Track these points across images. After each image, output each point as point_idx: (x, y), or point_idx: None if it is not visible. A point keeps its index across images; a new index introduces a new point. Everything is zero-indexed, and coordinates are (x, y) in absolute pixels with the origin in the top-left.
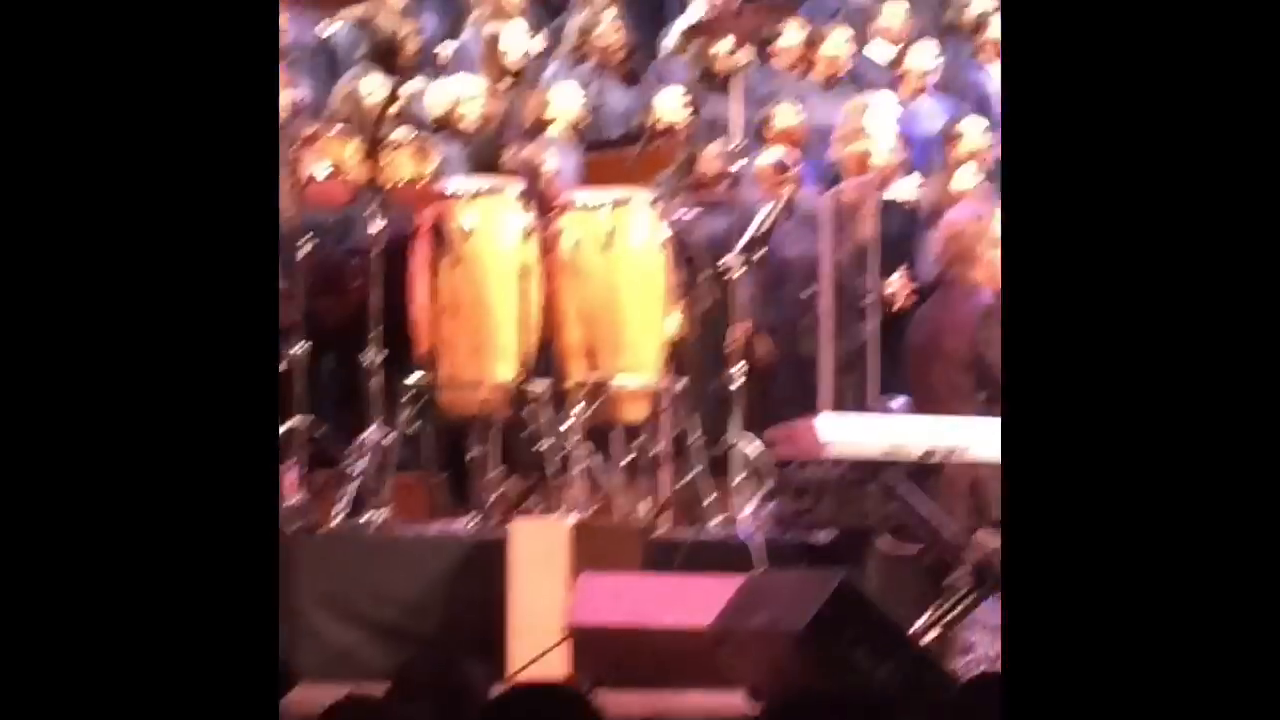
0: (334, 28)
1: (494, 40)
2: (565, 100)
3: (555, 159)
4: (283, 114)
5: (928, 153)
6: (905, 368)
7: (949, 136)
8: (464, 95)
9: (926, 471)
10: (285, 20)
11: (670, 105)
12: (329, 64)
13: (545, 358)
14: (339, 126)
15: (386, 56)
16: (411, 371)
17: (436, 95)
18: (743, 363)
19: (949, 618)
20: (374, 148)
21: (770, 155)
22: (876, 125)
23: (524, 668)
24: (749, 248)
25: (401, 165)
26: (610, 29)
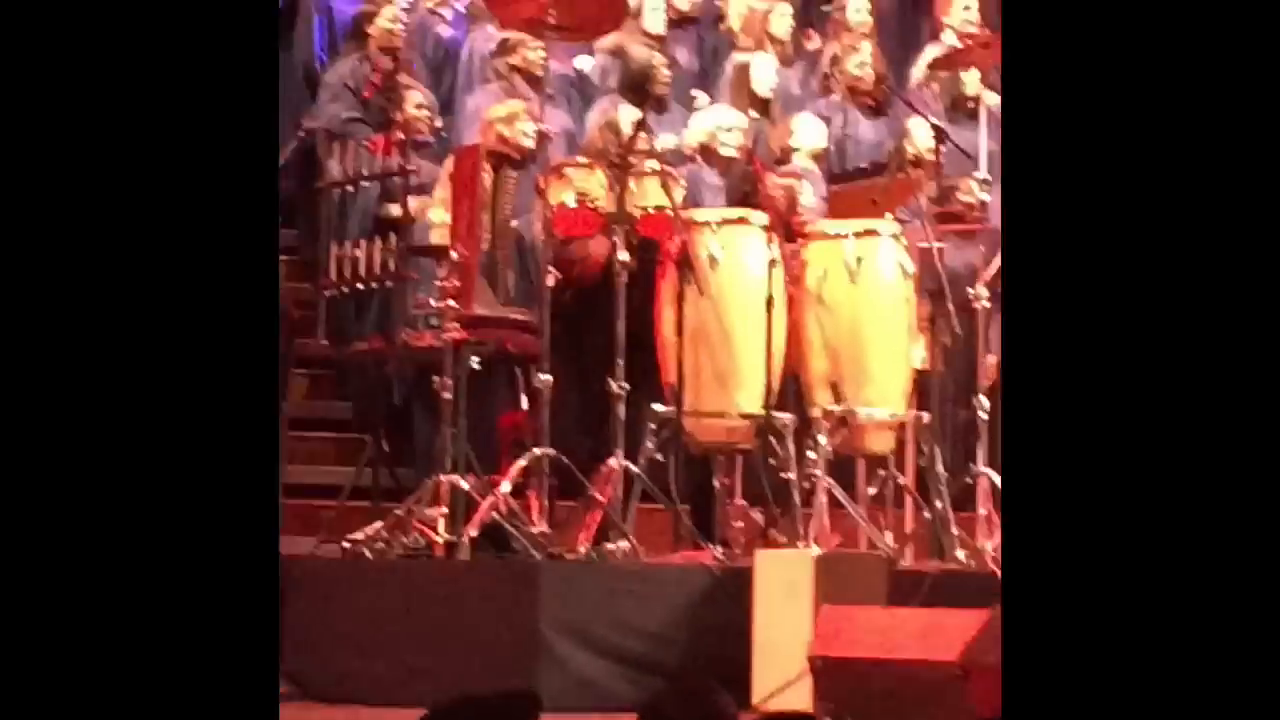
0: (588, 60)
1: (744, 70)
2: (809, 131)
3: (804, 190)
4: (535, 143)
5: None
6: None
7: None
8: (722, 125)
9: None
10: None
11: (920, 136)
12: (583, 95)
13: (790, 389)
14: (588, 157)
15: (637, 87)
16: (656, 401)
17: (694, 125)
18: (988, 395)
19: None
20: (622, 177)
21: None
22: None
23: (767, 699)
24: (998, 279)
25: (649, 194)
26: (865, 61)
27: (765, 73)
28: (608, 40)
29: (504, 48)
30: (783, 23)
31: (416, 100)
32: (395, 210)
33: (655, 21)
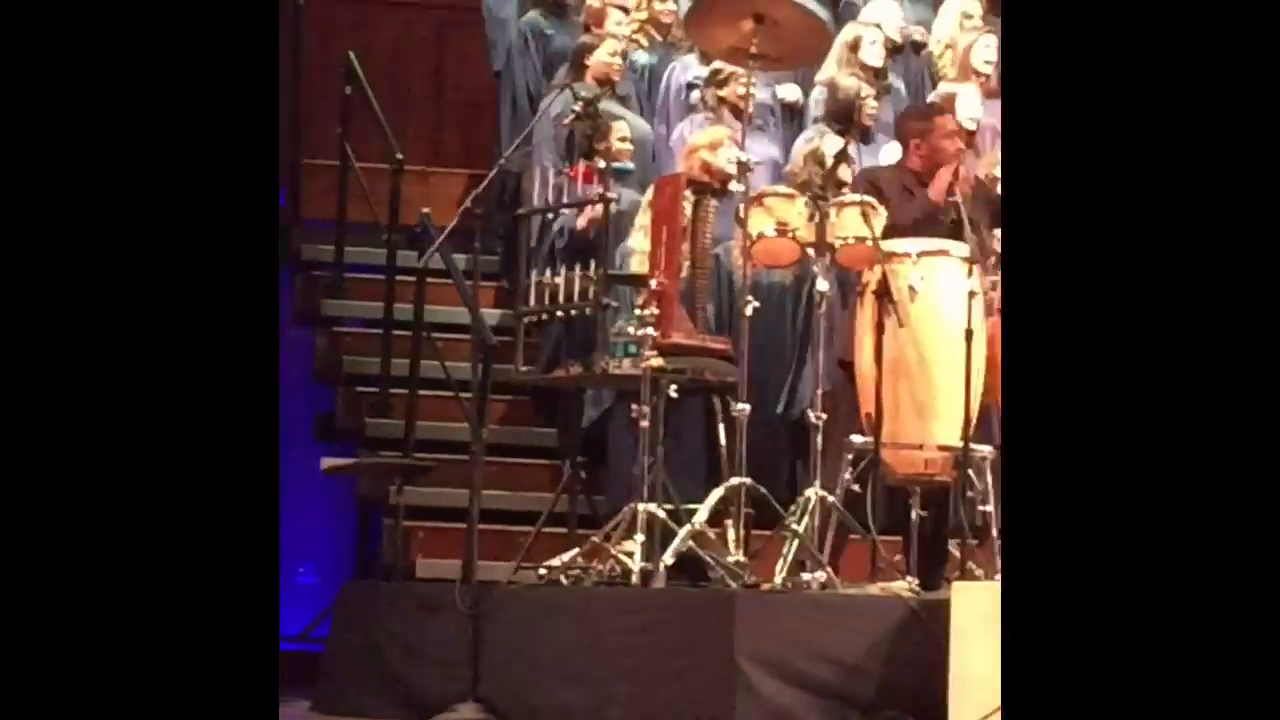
0: (793, 89)
1: (950, 100)
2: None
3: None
4: (734, 171)
5: None
6: None
7: None
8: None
9: None
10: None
11: None
12: (789, 124)
13: (988, 420)
14: (791, 186)
15: (843, 117)
16: (854, 432)
17: (890, 155)
18: None
19: None
20: (823, 207)
21: None
22: None
23: None
24: None
25: (849, 225)
26: None
27: (970, 105)
28: (825, 72)
29: (715, 79)
30: (986, 54)
31: (621, 131)
32: (581, 222)
33: (873, 55)
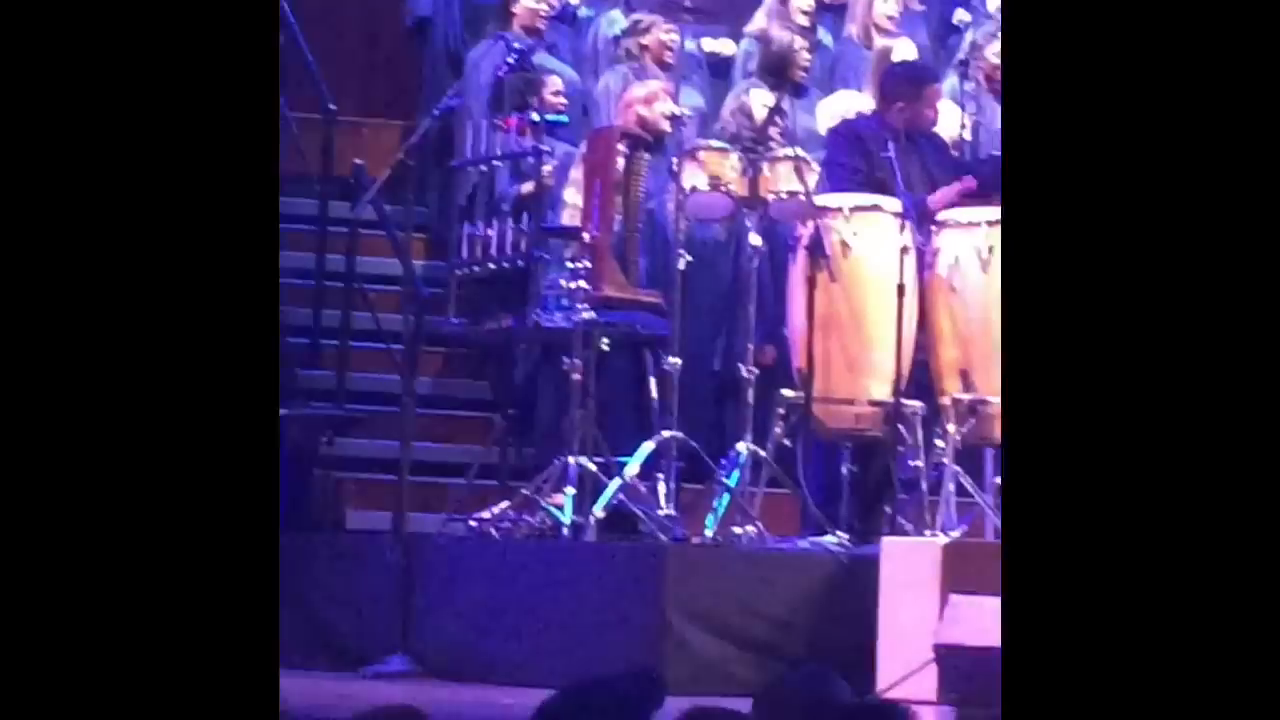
0: (725, 43)
1: (885, 55)
2: (948, 118)
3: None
4: (669, 125)
5: None
6: None
7: None
8: (852, 110)
9: None
10: (677, 35)
11: None
12: (716, 77)
13: (920, 376)
14: (721, 140)
15: (777, 71)
16: (785, 386)
17: (824, 109)
18: None
19: None
20: (757, 161)
21: None
22: None
23: (891, 687)
24: None
25: (783, 179)
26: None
27: (902, 58)
28: (755, 24)
29: (635, 28)
30: (886, 9)
31: (555, 85)
32: (527, 187)
33: (804, 7)
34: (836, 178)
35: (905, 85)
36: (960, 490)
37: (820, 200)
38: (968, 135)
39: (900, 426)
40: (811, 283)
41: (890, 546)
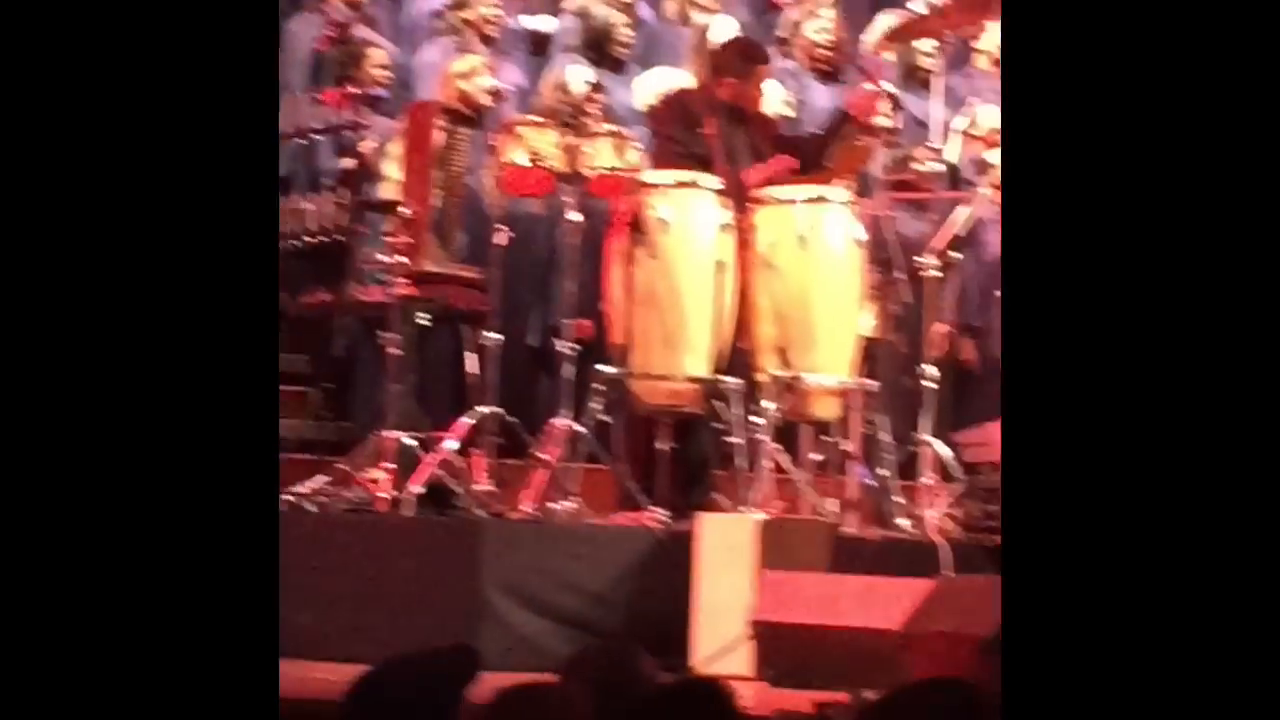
0: (546, 20)
1: (704, 32)
2: (772, 95)
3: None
4: (489, 100)
5: None
6: None
7: None
8: (671, 86)
9: None
10: (498, 9)
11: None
12: (536, 53)
13: (737, 353)
14: (540, 116)
15: (596, 47)
16: (603, 362)
17: (644, 87)
18: (935, 364)
19: None
20: (575, 137)
21: (973, 155)
22: None
23: (706, 663)
24: (948, 248)
25: (601, 156)
26: (825, 27)
27: (725, 35)
28: (575, 1)
29: (457, 2)
30: None
31: (377, 57)
32: (348, 162)
33: None
34: (656, 154)
35: (738, 61)
36: (777, 468)
37: (639, 176)
38: (789, 113)
39: (717, 403)
40: (629, 259)
41: (706, 522)
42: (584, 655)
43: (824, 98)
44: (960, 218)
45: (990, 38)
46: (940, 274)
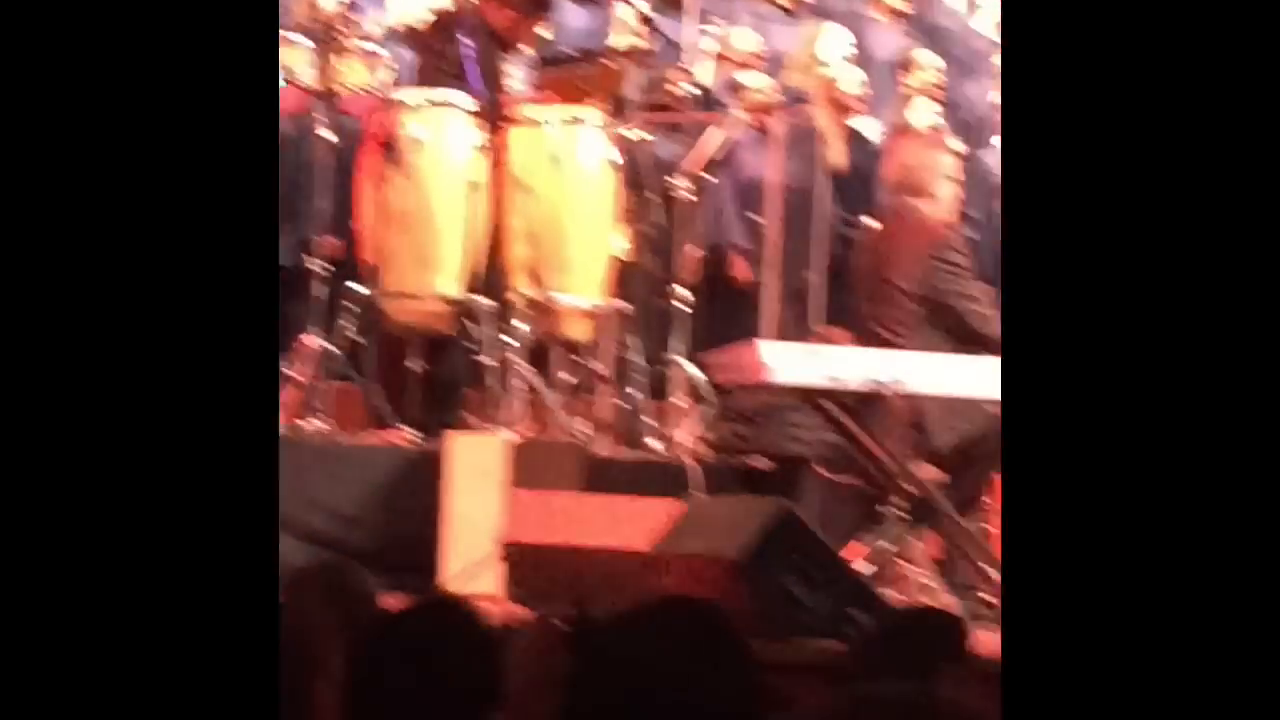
0: None
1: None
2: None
3: (510, 74)
4: None
5: (879, 82)
6: (851, 297)
7: (902, 65)
8: (425, 5)
9: (866, 402)
10: None
11: (628, 25)
12: None
13: (490, 273)
14: (292, 34)
15: None
16: (355, 281)
17: (399, 5)
18: (686, 285)
19: (883, 547)
20: (326, 56)
21: (726, 78)
22: (829, 53)
23: (454, 581)
24: (701, 170)
25: (353, 74)
26: None
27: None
28: None
29: None
30: None
31: None
32: None
33: None
34: (410, 72)
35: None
36: (529, 388)
37: (393, 95)
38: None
39: (469, 323)
40: (382, 178)
41: (455, 442)
42: (301, 573)
43: (579, 18)
44: (713, 140)
45: None
46: (694, 196)
